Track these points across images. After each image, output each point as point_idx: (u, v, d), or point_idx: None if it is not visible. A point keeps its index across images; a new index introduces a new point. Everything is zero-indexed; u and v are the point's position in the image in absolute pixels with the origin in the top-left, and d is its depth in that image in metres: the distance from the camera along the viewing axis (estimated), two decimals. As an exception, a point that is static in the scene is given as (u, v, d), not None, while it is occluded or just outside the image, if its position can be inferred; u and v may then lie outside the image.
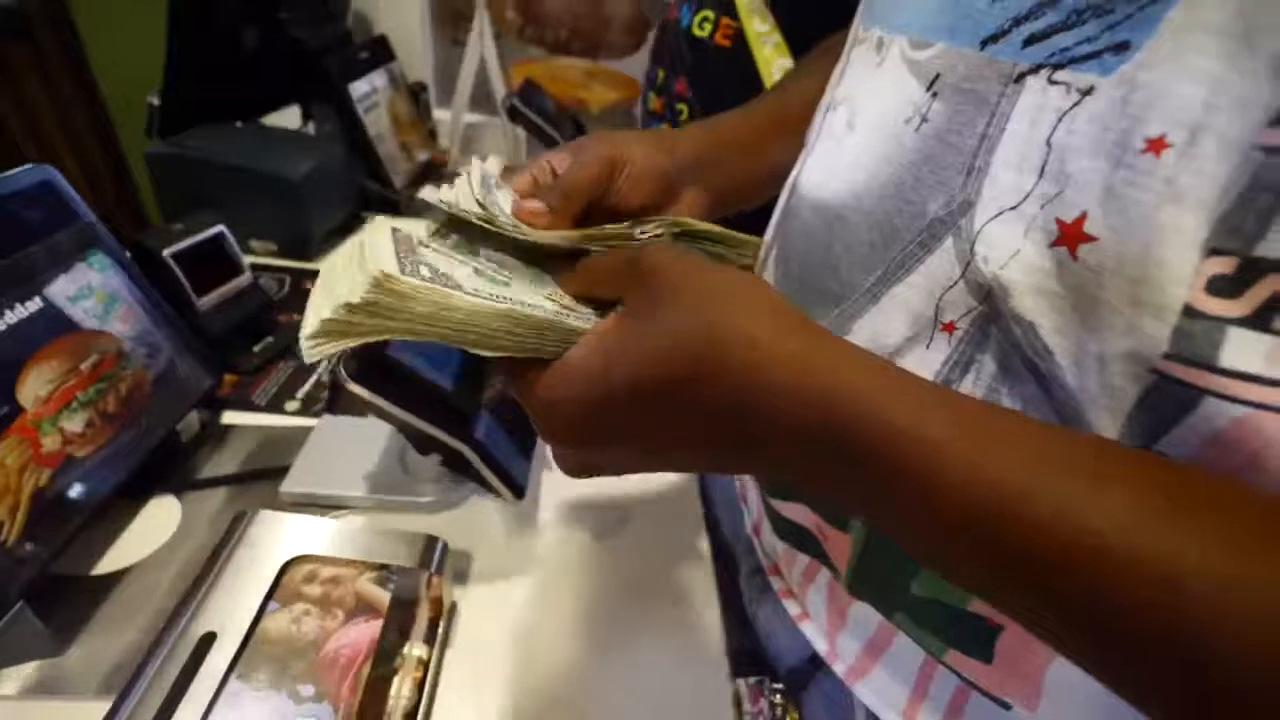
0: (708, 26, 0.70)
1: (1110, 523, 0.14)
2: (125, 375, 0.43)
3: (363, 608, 0.32)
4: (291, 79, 0.84)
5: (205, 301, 0.55)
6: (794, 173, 0.32)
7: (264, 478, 0.47)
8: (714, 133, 0.37)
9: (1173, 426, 0.17)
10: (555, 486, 0.51)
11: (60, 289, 0.39)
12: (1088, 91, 0.18)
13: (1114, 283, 0.17)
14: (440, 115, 1.16)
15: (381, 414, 0.35)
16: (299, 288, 0.72)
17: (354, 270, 0.20)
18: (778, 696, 0.34)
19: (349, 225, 0.86)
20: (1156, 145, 0.16)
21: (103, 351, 0.41)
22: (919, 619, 0.26)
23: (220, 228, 0.56)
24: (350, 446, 0.49)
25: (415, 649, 0.33)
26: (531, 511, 0.49)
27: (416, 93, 1.08)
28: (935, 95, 0.22)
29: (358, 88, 0.85)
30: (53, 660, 0.34)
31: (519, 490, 0.40)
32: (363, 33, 1.06)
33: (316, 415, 0.54)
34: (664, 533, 0.50)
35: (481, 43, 0.96)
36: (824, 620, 0.31)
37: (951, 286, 0.21)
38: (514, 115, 0.99)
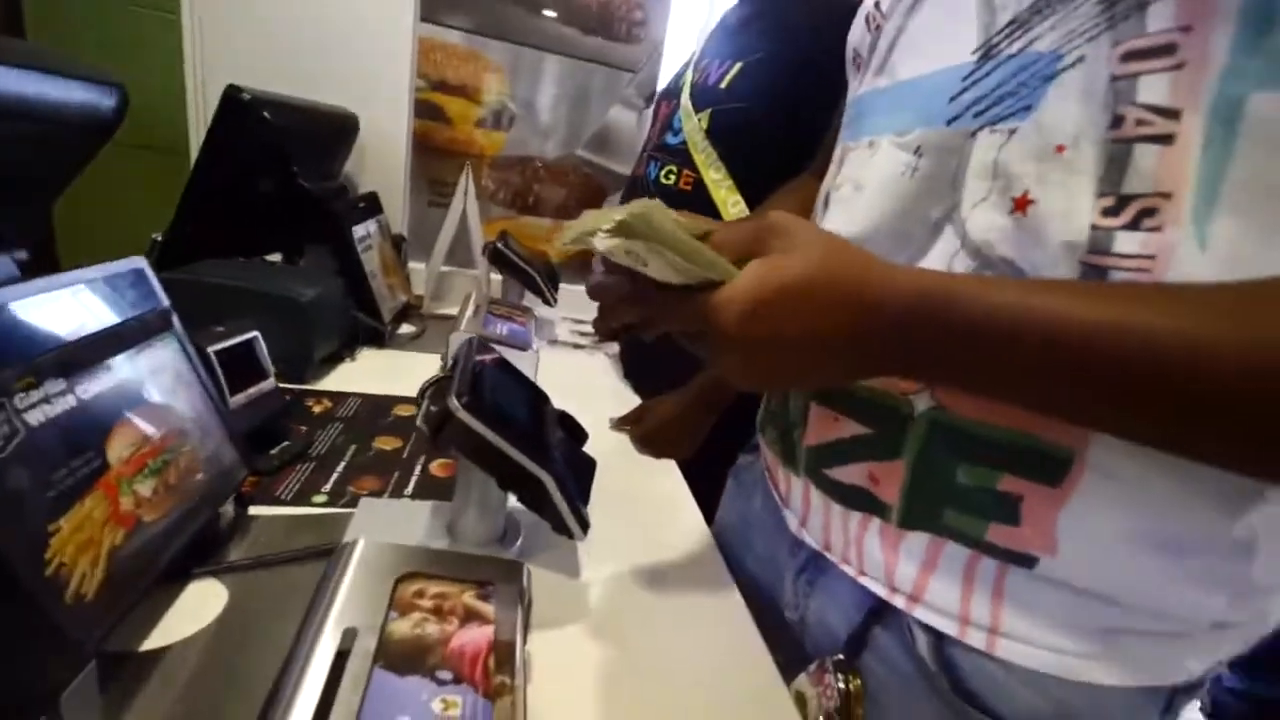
0: (672, 177, 0.87)
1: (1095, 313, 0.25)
2: (184, 451, 0.43)
3: (472, 616, 0.33)
4: (293, 222, 0.92)
5: (236, 401, 0.56)
6: None
7: (308, 559, 0.46)
8: (726, 226, 0.51)
9: None
10: (593, 549, 0.53)
11: (145, 361, 0.41)
12: (1014, 131, 0.30)
13: (1050, 222, 0.29)
14: (414, 266, 1.27)
15: (476, 446, 0.38)
16: (302, 403, 0.74)
17: (613, 213, 0.28)
18: (840, 672, 0.37)
19: (340, 354, 0.90)
20: (1060, 148, 0.29)
21: (169, 425, 0.42)
22: (964, 506, 0.33)
23: (255, 333, 0.60)
24: (396, 523, 0.49)
25: (515, 675, 0.33)
26: (572, 571, 0.50)
27: (398, 243, 1.19)
28: (920, 155, 0.34)
29: (356, 232, 0.95)
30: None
31: (586, 524, 0.43)
32: (351, 190, 1.19)
33: (346, 506, 0.54)
34: (694, 581, 0.52)
35: (465, 200, 1.11)
36: (880, 565, 0.36)
37: (955, 254, 0.32)
38: (496, 258, 1.11)
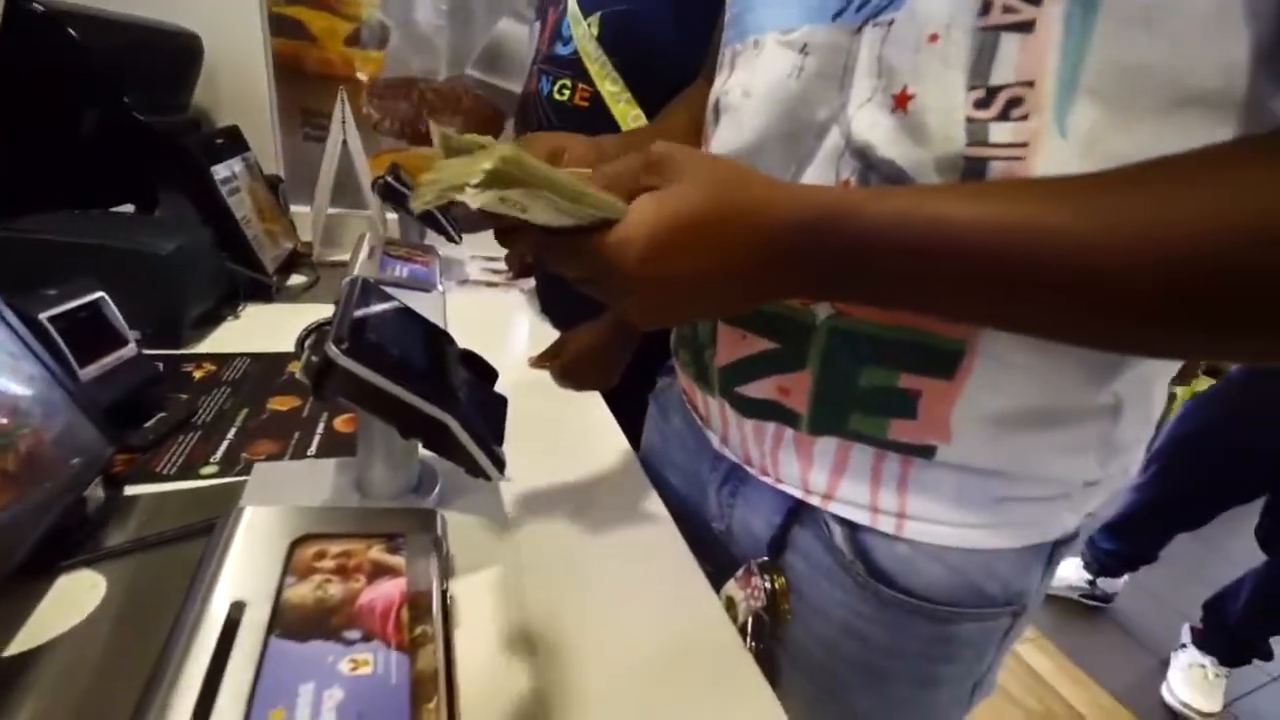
0: (566, 92, 0.81)
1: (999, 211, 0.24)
2: (24, 433, 0.37)
3: (381, 571, 0.31)
4: (137, 165, 0.79)
5: (87, 372, 0.49)
6: (705, 148, 0.42)
7: (193, 535, 0.42)
8: (620, 140, 0.48)
9: None
10: (518, 488, 0.52)
11: (-54, 335, 0.35)
12: (891, 22, 0.29)
13: (928, 117, 0.28)
14: (298, 209, 1.14)
15: (365, 394, 0.35)
16: (178, 370, 0.66)
17: (481, 156, 0.24)
18: (765, 573, 0.39)
19: (219, 312, 0.81)
20: (933, 38, 0.28)
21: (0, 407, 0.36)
22: (867, 408, 0.34)
23: (100, 294, 0.52)
24: (298, 485, 0.46)
25: (434, 624, 0.32)
26: (497, 513, 0.49)
27: (275, 185, 1.06)
28: (806, 54, 0.32)
29: (217, 171, 0.83)
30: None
31: (501, 463, 0.41)
32: (206, 125, 1.04)
33: (241, 474, 0.50)
34: (622, 505, 0.53)
35: (345, 130, 1.00)
36: (796, 472, 0.38)
37: (841, 156, 0.31)
38: (388, 194, 1.02)
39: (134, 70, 0.77)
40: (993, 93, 0.27)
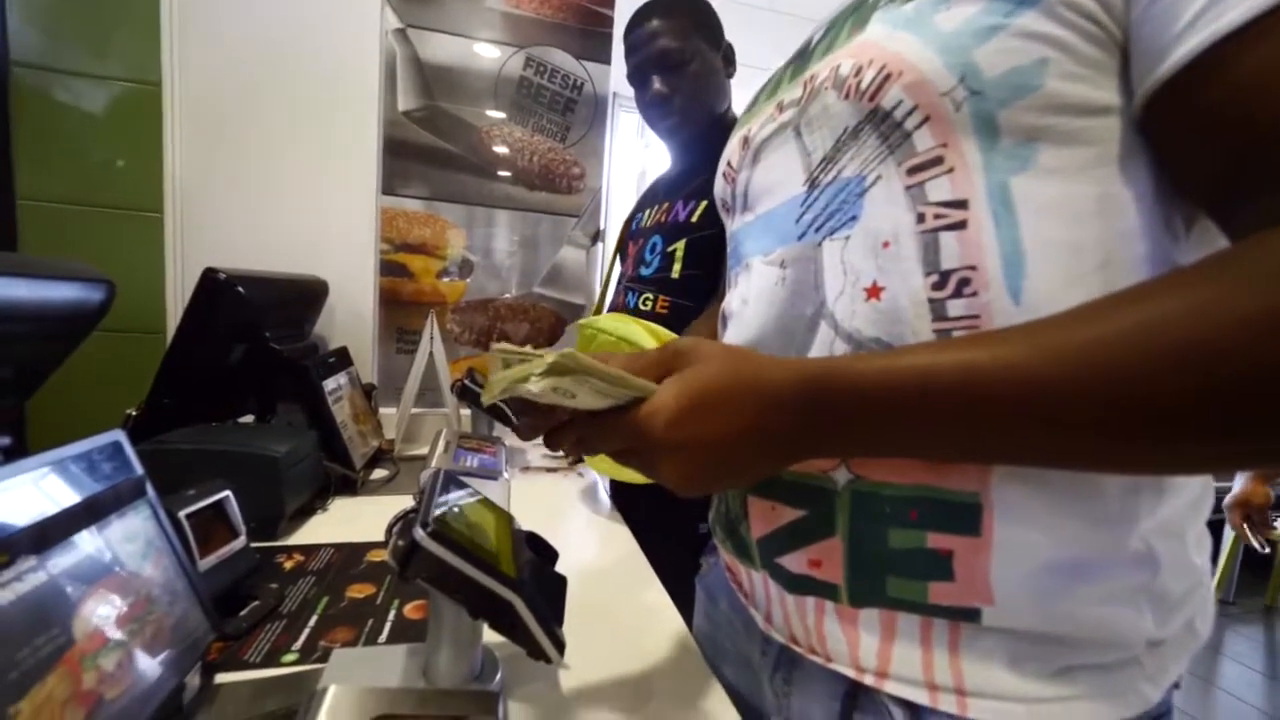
0: (649, 303, 1.01)
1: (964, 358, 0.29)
2: (152, 620, 0.43)
3: (452, 752, 0.32)
4: (265, 383, 0.95)
5: (205, 562, 0.56)
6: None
7: (277, 722, 0.44)
8: (656, 348, 0.59)
9: None
10: (575, 674, 0.52)
11: (118, 531, 0.43)
12: (848, 237, 0.36)
13: (898, 301, 0.34)
14: (385, 411, 1.30)
15: (443, 575, 0.39)
16: (272, 560, 0.73)
17: (535, 361, 0.31)
18: None
19: (312, 506, 0.90)
20: (886, 244, 0.35)
21: (137, 594, 0.42)
22: (902, 571, 0.35)
23: (226, 492, 0.60)
24: (369, 670, 0.48)
25: None
26: (556, 699, 0.49)
27: (368, 391, 1.23)
28: (785, 267, 0.40)
29: (327, 384, 0.98)
30: None
31: (561, 645, 0.42)
32: (322, 347, 1.24)
33: (318, 661, 0.53)
34: (680, 694, 0.51)
35: (431, 345, 1.17)
36: (844, 648, 0.37)
37: (833, 342, 0.37)
38: (464, 394, 1.15)
39: (276, 312, 0.97)
40: (945, 276, 0.33)
